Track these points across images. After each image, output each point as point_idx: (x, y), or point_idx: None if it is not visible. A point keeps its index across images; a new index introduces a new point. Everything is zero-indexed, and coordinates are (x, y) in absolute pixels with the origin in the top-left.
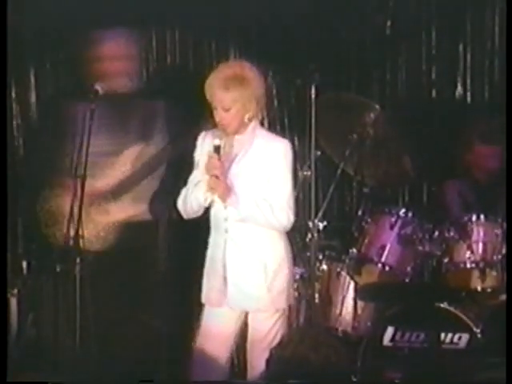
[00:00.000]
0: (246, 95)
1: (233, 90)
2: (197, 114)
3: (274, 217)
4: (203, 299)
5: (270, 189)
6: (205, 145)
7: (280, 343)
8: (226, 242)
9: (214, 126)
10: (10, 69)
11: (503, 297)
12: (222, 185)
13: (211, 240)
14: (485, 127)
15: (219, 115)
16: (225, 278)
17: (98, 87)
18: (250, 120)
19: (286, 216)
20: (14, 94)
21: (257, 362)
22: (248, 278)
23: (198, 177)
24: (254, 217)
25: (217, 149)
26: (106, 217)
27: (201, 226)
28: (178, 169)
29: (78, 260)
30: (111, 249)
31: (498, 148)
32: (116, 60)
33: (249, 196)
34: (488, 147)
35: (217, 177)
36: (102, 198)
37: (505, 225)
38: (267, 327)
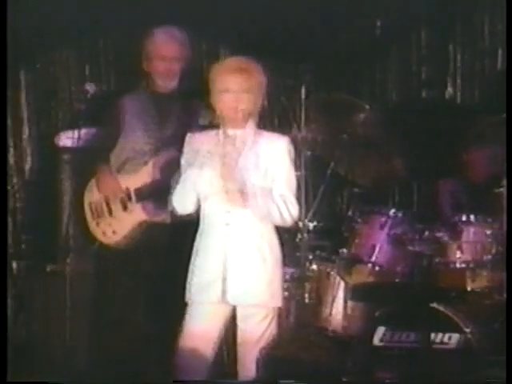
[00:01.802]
0: (254, 85)
1: (245, 76)
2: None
3: (288, 211)
4: (188, 297)
5: (279, 184)
6: (193, 145)
7: (271, 343)
8: (228, 236)
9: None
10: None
11: (499, 297)
12: (239, 195)
13: (205, 235)
14: (476, 128)
15: (229, 98)
16: (224, 274)
17: (89, 87)
18: (253, 112)
19: (296, 210)
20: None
21: (250, 364)
22: (249, 273)
23: (193, 175)
24: (271, 214)
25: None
26: (129, 215)
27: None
28: None
29: (68, 260)
30: (129, 247)
31: (489, 149)
32: (166, 61)
33: (263, 194)
34: (479, 148)
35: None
36: (127, 196)
37: (495, 225)
38: (261, 330)
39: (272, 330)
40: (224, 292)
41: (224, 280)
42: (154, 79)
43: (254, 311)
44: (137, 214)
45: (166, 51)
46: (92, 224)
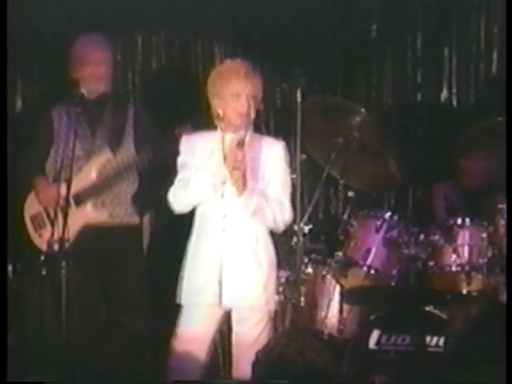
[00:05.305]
0: (255, 89)
1: (249, 80)
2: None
3: (282, 215)
4: (182, 299)
5: (274, 188)
6: (190, 145)
7: (266, 346)
8: (224, 241)
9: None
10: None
11: (495, 300)
12: (242, 178)
13: (200, 238)
14: (472, 131)
15: (235, 102)
16: (220, 277)
17: (84, 91)
18: (252, 116)
19: (290, 214)
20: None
21: (244, 367)
22: (245, 277)
23: (188, 176)
24: (263, 211)
25: (240, 143)
26: (71, 222)
27: (179, 228)
28: (145, 177)
29: (63, 263)
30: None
31: (483, 152)
32: (92, 64)
33: (257, 190)
34: (475, 151)
35: (239, 169)
36: (67, 203)
37: (490, 228)
38: (256, 333)
39: (267, 333)
40: (219, 295)
41: (220, 283)
42: (81, 85)
43: (249, 314)
44: (78, 219)
45: (90, 55)
46: (35, 237)
